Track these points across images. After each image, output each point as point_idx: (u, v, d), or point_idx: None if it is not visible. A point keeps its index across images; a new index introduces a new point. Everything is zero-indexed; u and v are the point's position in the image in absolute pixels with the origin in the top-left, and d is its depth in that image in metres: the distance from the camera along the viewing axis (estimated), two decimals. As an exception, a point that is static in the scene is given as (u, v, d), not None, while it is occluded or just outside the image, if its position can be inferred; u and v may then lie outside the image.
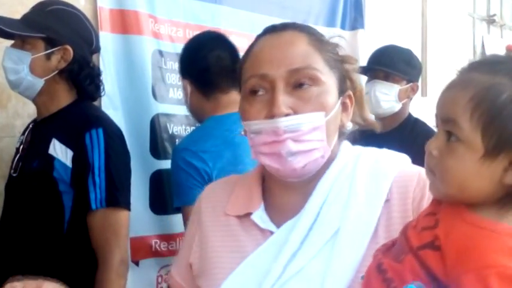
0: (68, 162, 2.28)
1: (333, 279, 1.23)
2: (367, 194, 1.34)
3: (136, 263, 3.14)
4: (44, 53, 2.36)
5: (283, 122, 1.29)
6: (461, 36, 5.20)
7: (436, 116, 1.12)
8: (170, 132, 3.31)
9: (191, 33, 3.33)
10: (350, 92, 1.45)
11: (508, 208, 1.05)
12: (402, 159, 1.44)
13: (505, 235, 1.01)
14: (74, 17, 2.48)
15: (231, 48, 2.70)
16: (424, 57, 4.91)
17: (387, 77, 3.33)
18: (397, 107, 3.33)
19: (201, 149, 2.48)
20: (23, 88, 2.39)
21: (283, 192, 1.43)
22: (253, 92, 1.36)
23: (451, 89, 1.08)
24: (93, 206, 2.26)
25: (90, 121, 2.36)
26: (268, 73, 1.33)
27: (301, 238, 1.29)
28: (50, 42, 2.37)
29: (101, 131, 2.31)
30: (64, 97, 2.45)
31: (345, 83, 1.43)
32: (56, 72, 2.40)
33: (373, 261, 1.17)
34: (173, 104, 3.26)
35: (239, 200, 1.46)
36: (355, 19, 4.38)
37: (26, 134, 2.51)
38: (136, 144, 3.10)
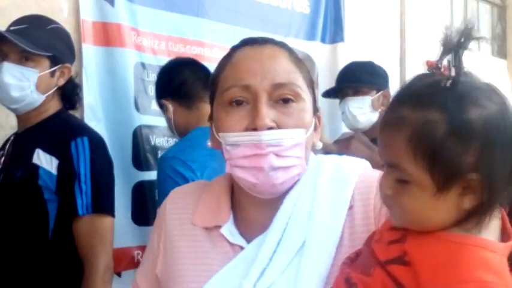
0: (53, 170, 2.31)
1: None
2: (330, 202, 1.31)
3: (119, 274, 3.14)
4: (49, 70, 2.42)
5: (267, 136, 1.24)
6: (439, 49, 5.27)
7: (379, 154, 1.11)
8: (152, 143, 3.33)
9: (173, 46, 3.38)
10: (319, 113, 1.43)
11: (471, 224, 1.04)
12: (362, 164, 1.42)
13: (476, 247, 1.02)
14: (68, 35, 2.58)
15: (203, 66, 2.82)
16: (403, 70, 4.97)
17: (356, 92, 3.37)
18: (374, 117, 3.35)
19: (189, 159, 2.52)
20: (24, 104, 2.41)
21: (252, 207, 1.37)
22: (233, 103, 1.30)
23: (388, 130, 1.07)
24: (80, 212, 2.29)
25: (75, 130, 2.41)
26: (252, 84, 1.28)
27: (270, 254, 1.26)
28: (54, 61, 2.43)
29: (86, 139, 2.36)
30: (50, 108, 2.49)
31: (316, 104, 1.41)
32: (56, 88, 2.47)
33: (340, 274, 1.16)
34: (155, 116, 3.26)
35: (207, 211, 1.40)
36: (335, 32, 4.41)
37: (7, 146, 2.53)
38: (118, 155, 3.11)
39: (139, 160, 3.28)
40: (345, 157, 1.46)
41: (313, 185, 1.35)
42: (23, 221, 2.33)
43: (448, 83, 1.02)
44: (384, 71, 3.51)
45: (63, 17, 2.98)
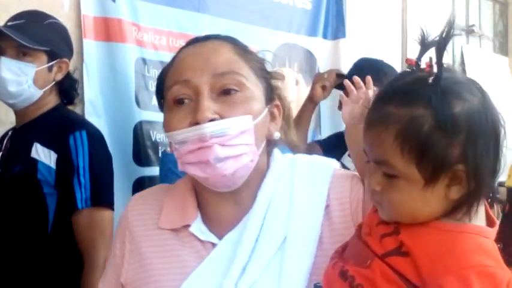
0: (52, 164, 2.32)
1: None
2: (308, 200, 1.31)
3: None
4: (46, 65, 2.42)
5: (208, 128, 1.23)
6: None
7: (364, 151, 1.13)
8: (153, 139, 3.33)
9: (174, 41, 3.38)
10: (278, 102, 1.42)
11: (460, 213, 1.07)
12: (333, 164, 1.43)
13: (471, 233, 1.06)
14: (65, 30, 2.58)
15: None
16: (405, 66, 4.96)
17: None
18: None
19: None
20: (21, 99, 2.42)
21: (217, 203, 1.35)
22: (177, 102, 1.29)
23: (373, 128, 1.08)
24: (79, 206, 2.30)
25: (73, 124, 2.43)
26: (192, 79, 1.28)
27: (249, 251, 1.24)
28: (51, 55, 2.44)
29: (84, 133, 2.37)
30: (48, 103, 2.50)
31: (272, 93, 1.39)
32: (53, 83, 2.47)
33: (332, 268, 1.16)
34: (156, 112, 3.20)
35: (173, 213, 1.38)
36: (337, 28, 4.41)
37: (5, 141, 2.55)
38: (119, 151, 3.12)
39: (139, 156, 3.28)
40: (315, 156, 1.47)
41: (289, 182, 1.35)
42: (22, 215, 2.34)
43: (431, 79, 1.05)
44: (393, 69, 3.41)
45: (64, 12, 2.99)
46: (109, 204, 2.42)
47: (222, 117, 1.25)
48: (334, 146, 3.07)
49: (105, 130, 3.03)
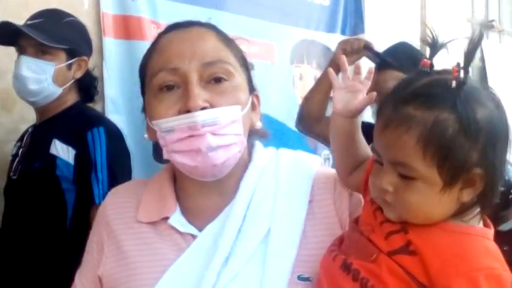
0: (71, 160, 2.36)
1: (271, 283, 1.19)
2: (292, 194, 1.31)
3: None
4: (66, 63, 2.46)
5: (200, 116, 1.21)
6: (460, 41, 5.25)
7: (375, 152, 1.13)
8: (173, 136, 3.33)
9: (193, 39, 3.38)
10: (257, 92, 1.42)
11: (468, 215, 1.09)
12: (317, 160, 1.44)
13: (478, 236, 1.08)
14: (84, 28, 2.61)
15: None
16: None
17: None
18: None
19: None
20: (42, 97, 2.45)
21: (198, 193, 1.34)
22: (164, 88, 1.27)
23: (392, 129, 1.07)
24: (97, 201, 2.32)
25: (92, 120, 2.47)
26: (180, 66, 1.25)
27: (231, 242, 1.23)
28: (71, 53, 2.47)
29: (102, 129, 2.41)
30: (68, 101, 2.54)
31: (252, 83, 1.39)
32: (73, 81, 2.50)
33: (333, 260, 1.17)
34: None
35: (151, 205, 1.36)
36: (355, 25, 4.41)
37: (25, 138, 2.58)
38: (139, 148, 3.12)
39: (160, 152, 3.27)
40: (299, 152, 1.45)
41: (274, 175, 1.34)
42: (41, 211, 2.38)
43: (454, 84, 1.04)
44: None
45: (83, 10, 3.01)
46: None
47: (212, 105, 1.24)
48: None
49: (126, 127, 3.05)
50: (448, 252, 1.04)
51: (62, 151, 2.37)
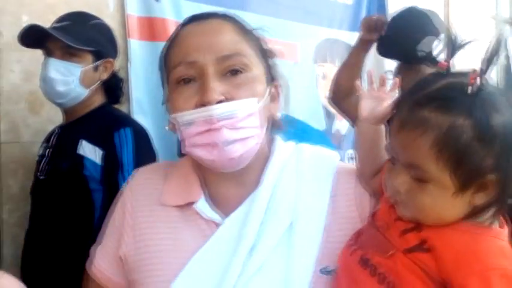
0: (98, 160, 2.39)
1: (296, 275, 1.21)
2: (314, 189, 1.33)
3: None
4: (92, 65, 2.49)
5: (216, 110, 1.21)
6: (484, 38, 5.21)
7: (390, 151, 1.14)
8: (197, 136, 3.35)
9: (217, 40, 3.40)
10: (277, 83, 1.41)
11: (481, 216, 1.09)
12: (336, 155, 1.45)
13: (492, 237, 1.08)
14: (110, 30, 2.64)
15: None
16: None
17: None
18: None
19: None
20: (69, 98, 2.49)
21: (220, 183, 1.35)
22: (181, 81, 1.28)
23: (407, 131, 1.07)
24: None
25: (119, 121, 2.50)
26: (197, 60, 1.26)
27: (255, 233, 1.24)
28: (97, 55, 2.51)
29: (129, 130, 2.43)
30: (95, 102, 2.57)
31: (271, 73, 1.38)
32: (99, 82, 2.54)
33: (350, 255, 1.19)
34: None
35: (177, 189, 1.36)
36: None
37: (51, 139, 2.61)
38: (164, 148, 3.15)
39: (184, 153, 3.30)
40: (319, 147, 1.47)
41: (295, 169, 1.36)
42: (69, 211, 2.41)
43: (471, 89, 1.04)
44: (433, 22, 2.93)
45: (109, 12, 3.05)
46: None
47: (228, 98, 1.24)
48: None
49: (151, 128, 3.07)
50: (462, 251, 1.05)
51: (90, 151, 2.40)
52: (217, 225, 1.29)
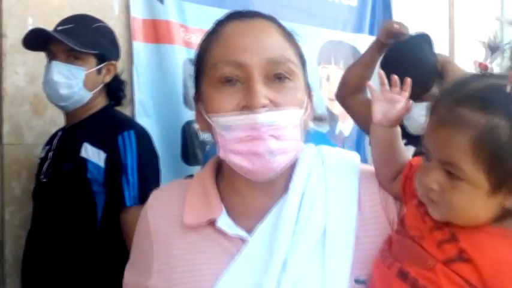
0: (101, 163, 2.39)
1: (332, 286, 1.16)
2: (341, 194, 1.27)
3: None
4: (96, 68, 2.49)
5: (264, 116, 1.16)
6: (485, 51, 5.22)
7: (424, 149, 1.12)
8: (201, 138, 3.38)
9: (221, 42, 3.41)
10: (312, 92, 1.36)
11: (510, 218, 1.08)
12: (357, 156, 1.40)
13: None
14: (113, 33, 2.64)
15: None
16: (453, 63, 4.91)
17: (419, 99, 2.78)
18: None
19: None
20: (72, 101, 2.49)
21: (246, 193, 1.29)
22: (224, 81, 1.21)
23: (445, 128, 1.06)
24: (128, 204, 2.35)
25: (122, 124, 2.49)
26: (244, 61, 1.19)
27: (287, 244, 1.17)
28: (100, 58, 2.51)
29: (132, 133, 2.43)
30: (97, 105, 2.57)
31: (307, 82, 1.33)
32: (102, 85, 2.55)
33: (388, 268, 1.15)
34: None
35: (196, 208, 1.29)
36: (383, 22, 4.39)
37: (54, 141, 2.61)
38: (168, 150, 3.17)
39: (187, 154, 3.33)
40: (339, 148, 1.44)
41: (322, 174, 1.30)
42: (71, 213, 2.40)
43: (510, 89, 1.03)
44: (430, 50, 2.96)
45: (114, 15, 3.06)
46: None
47: (273, 103, 1.18)
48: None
49: (155, 130, 3.09)
50: (499, 258, 1.04)
51: (93, 154, 2.40)
52: (243, 240, 1.22)
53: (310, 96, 1.33)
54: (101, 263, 2.37)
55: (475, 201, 1.06)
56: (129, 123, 2.56)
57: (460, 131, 1.04)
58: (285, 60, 1.22)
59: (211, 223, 1.25)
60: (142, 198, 2.37)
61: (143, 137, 2.50)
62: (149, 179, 2.43)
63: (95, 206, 2.40)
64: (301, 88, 1.26)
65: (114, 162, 2.38)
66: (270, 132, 1.17)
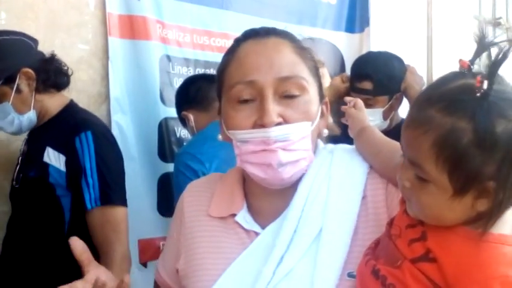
0: (62, 167, 2.35)
1: (322, 279, 1.23)
2: (345, 191, 1.34)
3: (144, 265, 3.19)
4: (13, 91, 2.38)
5: (274, 132, 1.28)
6: (466, 39, 5.22)
7: (401, 145, 1.13)
8: (178, 135, 3.37)
9: (198, 38, 3.41)
10: (326, 99, 1.46)
11: (486, 222, 1.06)
12: None
13: (495, 243, 1.05)
14: (12, 40, 2.45)
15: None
16: (430, 60, 4.93)
17: (369, 105, 3.00)
18: (384, 125, 3.12)
19: (198, 151, 2.60)
20: (25, 127, 2.46)
21: (264, 196, 1.42)
22: (241, 101, 1.34)
23: (413, 128, 1.07)
24: (89, 206, 2.33)
25: (78, 125, 2.41)
26: (257, 80, 1.31)
27: (287, 241, 1.29)
28: (10, 79, 2.37)
29: (89, 133, 2.37)
30: (52, 104, 2.51)
31: (322, 90, 1.43)
32: (34, 93, 2.44)
33: (365, 265, 1.19)
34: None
35: (221, 201, 1.46)
36: (361, 22, 4.38)
37: (22, 145, 2.60)
38: (144, 147, 3.16)
39: (164, 152, 3.32)
40: (354, 148, 1.48)
41: (327, 174, 1.38)
42: (40, 217, 2.39)
43: (480, 93, 1.02)
44: (400, 68, 3.18)
45: (89, 11, 3.03)
46: (120, 201, 2.42)
47: (284, 119, 1.30)
48: None
49: (131, 127, 3.08)
50: (463, 260, 1.04)
51: (54, 158, 2.36)
52: (257, 234, 1.37)
53: (326, 104, 1.45)
54: (70, 266, 2.33)
55: (440, 203, 1.06)
56: (87, 124, 2.44)
57: (425, 131, 1.04)
58: (296, 76, 1.33)
59: (233, 216, 1.42)
60: (104, 199, 2.35)
61: (101, 136, 2.43)
62: (110, 180, 2.40)
63: (61, 209, 2.38)
64: (313, 100, 1.36)
65: (73, 165, 2.35)
66: (279, 145, 1.29)
